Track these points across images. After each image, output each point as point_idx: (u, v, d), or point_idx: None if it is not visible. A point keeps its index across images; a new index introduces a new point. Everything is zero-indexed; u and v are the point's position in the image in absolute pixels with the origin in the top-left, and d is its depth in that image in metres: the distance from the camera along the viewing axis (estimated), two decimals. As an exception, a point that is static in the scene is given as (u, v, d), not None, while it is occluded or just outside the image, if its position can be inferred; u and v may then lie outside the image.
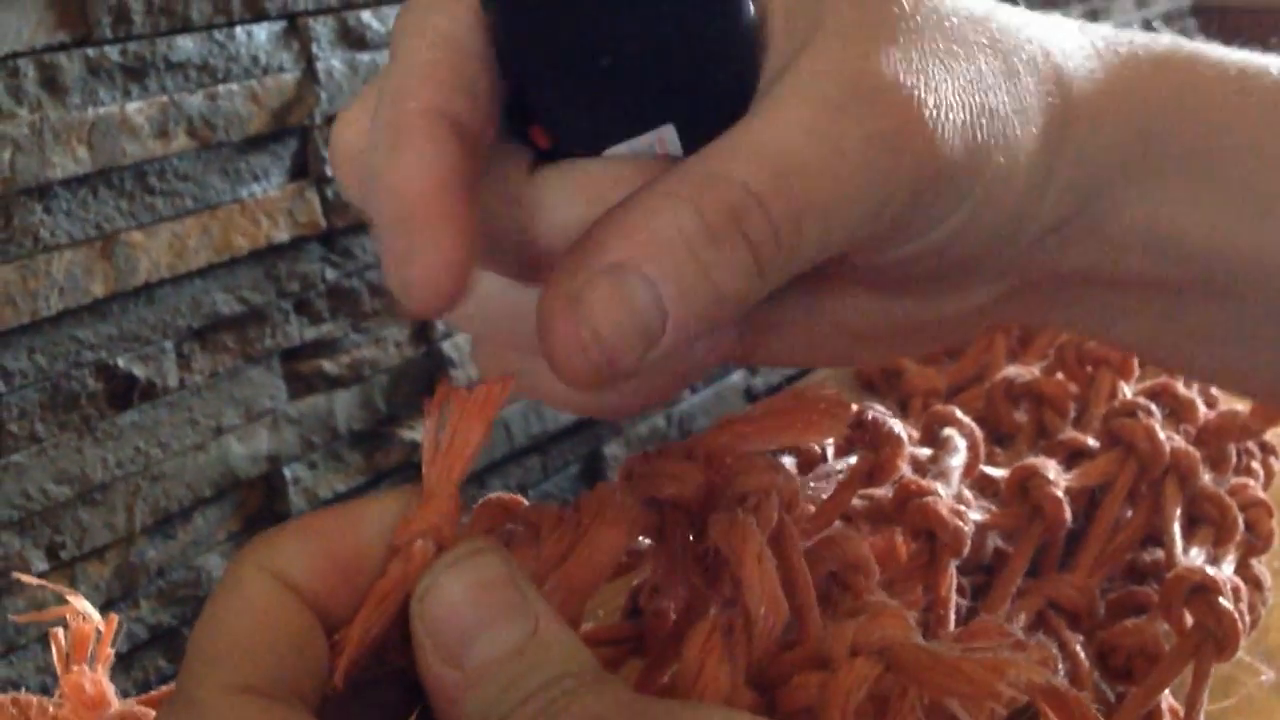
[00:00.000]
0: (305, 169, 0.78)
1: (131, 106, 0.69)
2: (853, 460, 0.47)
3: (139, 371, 0.72)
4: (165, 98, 0.70)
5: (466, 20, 0.27)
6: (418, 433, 0.87)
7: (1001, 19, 0.31)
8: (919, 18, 0.29)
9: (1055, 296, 0.37)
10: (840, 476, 0.46)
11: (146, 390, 0.72)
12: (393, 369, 0.85)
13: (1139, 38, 0.36)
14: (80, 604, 0.34)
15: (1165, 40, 0.36)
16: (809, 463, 0.48)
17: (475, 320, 0.32)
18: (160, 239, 0.71)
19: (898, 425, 0.47)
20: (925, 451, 0.57)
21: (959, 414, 0.59)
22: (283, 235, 0.77)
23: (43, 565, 0.69)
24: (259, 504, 0.79)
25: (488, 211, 0.28)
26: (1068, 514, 0.55)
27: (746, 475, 0.35)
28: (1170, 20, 1.92)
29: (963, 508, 0.50)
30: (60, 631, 0.33)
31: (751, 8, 0.28)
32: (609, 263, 0.26)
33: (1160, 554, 0.57)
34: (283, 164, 0.77)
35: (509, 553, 0.27)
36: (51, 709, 0.35)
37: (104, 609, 0.71)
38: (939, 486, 0.50)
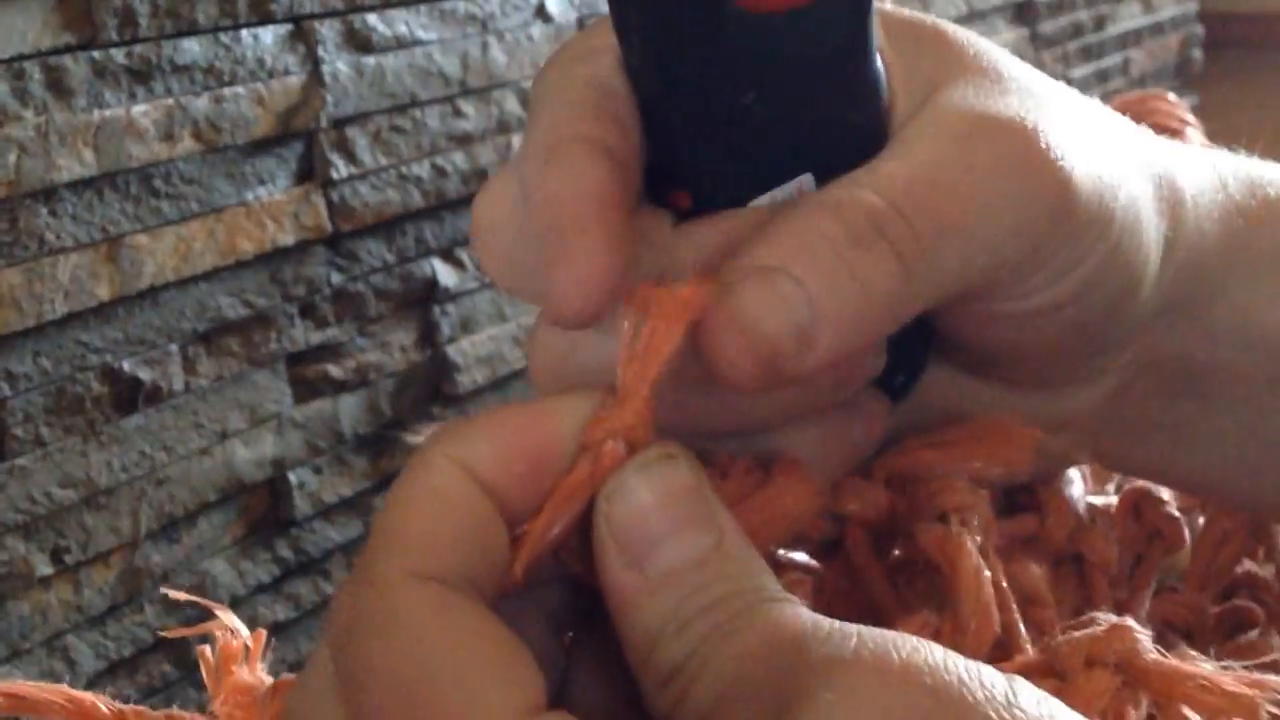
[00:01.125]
0: (311, 172, 0.78)
1: (137, 109, 0.69)
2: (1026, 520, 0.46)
3: (144, 375, 0.71)
4: (171, 100, 0.70)
5: (611, 66, 0.28)
6: (423, 436, 0.87)
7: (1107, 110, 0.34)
8: (1033, 84, 0.30)
9: (1148, 405, 0.37)
10: (1012, 526, 0.46)
11: (151, 394, 0.72)
12: (398, 373, 0.85)
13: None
14: (228, 618, 0.33)
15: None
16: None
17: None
18: (165, 242, 0.71)
19: (1076, 498, 0.47)
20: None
21: None
22: (288, 239, 0.77)
23: (47, 569, 0.68)
24: (264, 509, 0.79)
25: (631, 261, 0.28)
26: (1186, 533, 0.54)
27: (949, 494, 0.35)
28: (1177, 25, 1.92)
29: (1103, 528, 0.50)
30: (208, 648, 0.33)
31: (879, 61, 0.29)
32: (756, 265, 0.26)
33: (1250, 566, 0.56)
34: (288, 167, 0.77)
35: (699, 463, 0.27)
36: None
37: (108, 614, 0.71)
38: (1078, 510, 0.50)
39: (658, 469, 0.26)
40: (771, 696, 0.22)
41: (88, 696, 0.33)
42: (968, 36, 0.32)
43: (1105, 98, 1.20)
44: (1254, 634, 0.51)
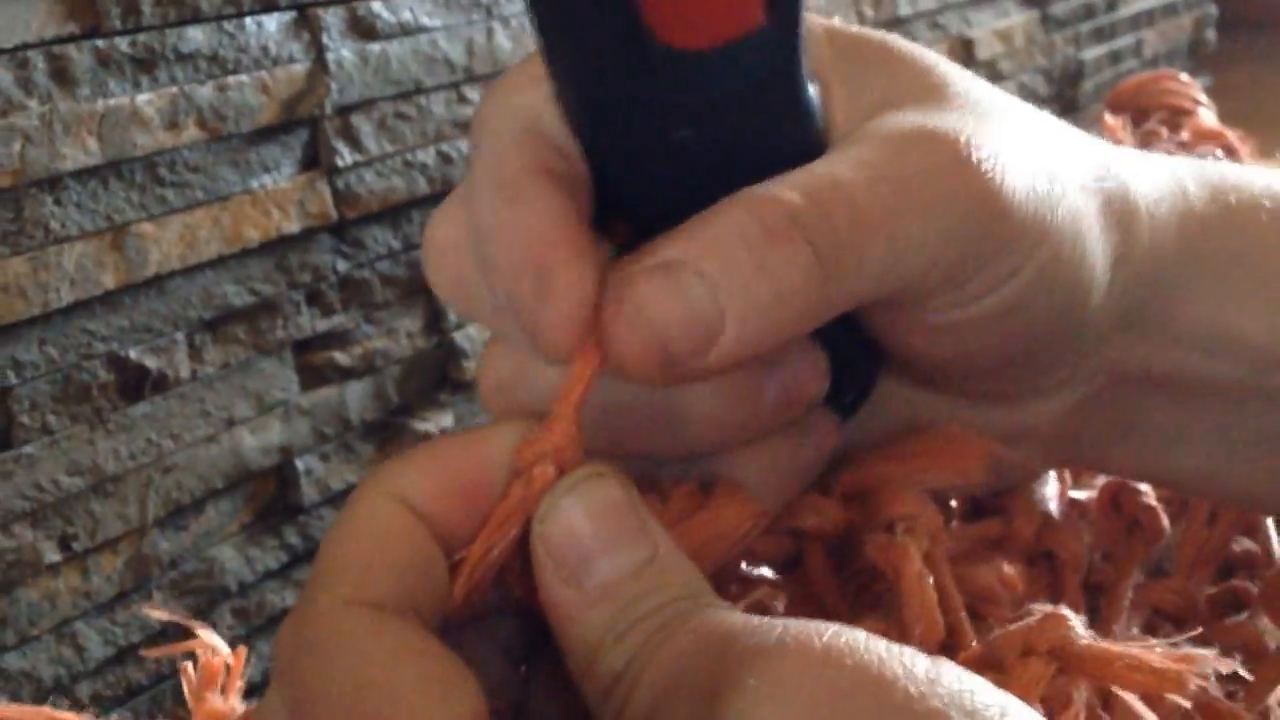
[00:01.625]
0: (316, 160, 0.78)
1: (141, 98, 0.69)
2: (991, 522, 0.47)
3: (150, 363, 0.72)
4: (175, 89, 0.70)
5: (549, 96, 0.28)
6: (430, 424, 0.87)
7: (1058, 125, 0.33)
8: (979, 100, 0.31)
9: (1119, 411, 0.37)
10: (974, 528, 0.46)
11: (158, 381, 0.72)
12: (405, 360, 0.85)
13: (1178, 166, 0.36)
14: (209, 637, 0.34)
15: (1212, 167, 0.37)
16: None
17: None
18: (171, 230, 0.71)
19: (1044, 497, 0.47)
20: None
21: None
22: (293, 226, 0.77)
23: (55, 557, 0.69)
24: (271, 496, 0.79)
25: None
26: (1165, 522, 0.54)
27: (896, 503, 0.36)
28: (1190, 6, 1.91)
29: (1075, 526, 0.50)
30: (190, 665, 0.34)
31: (813, 88, 0.29)
32: (660, 259, 0.26)
33: (1249, 544, 0.56)
34: (293, 155, 0.77)
35: (630, 480, 0.28)
36: None
37: (116, 601, 0.71)
38: (1050, 508, 0.50)
39: (588, 487, 0.27)
40: (704, 689, 0.23)
41: (70, 716, 0.34)
42: (915, 53, 0.31)
43: (1117, 79, 1.21)
44: (1242, 616, 0.51)
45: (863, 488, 0.37)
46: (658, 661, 0.24)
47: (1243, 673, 0.34)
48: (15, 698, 0.68)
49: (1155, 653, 0.30)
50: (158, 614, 0.40)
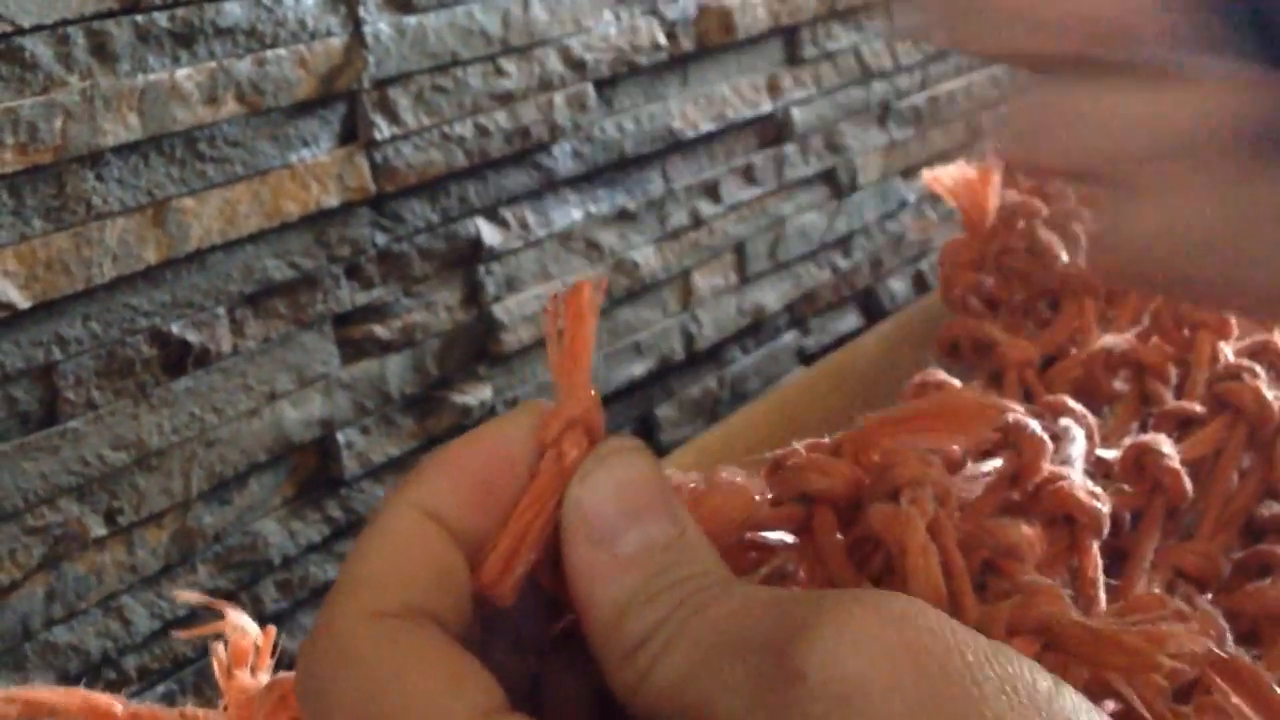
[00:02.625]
0: (354, 133, 0.78)
1: (181, 73, 0.69)
2: (995, 463, 0.47)
3: (193, 338, 0.72)
4: (214, 64, 0.70)
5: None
6: (470, 396, 0.87)
7: None
8: None
9: None
10: (986, 479, 0.46)
11: (200, 356, 0.72)
12: (444, 333, 0.86)
13: None
14: (238, 617, 0.34)
15: None
16: (949, 465, 0.48)
17: None
18: (211, 205, 0.71)
19: (1037, 427, 0.47)
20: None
21: (1071, 403, 0.58)
22: (332, 200, 0.77)
23: (101, 530, 0.69)
24: (313, 469, 0.80)
25: None
26: (1188, 486, 0.54)
27: (901, 468, 0.36)
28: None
29: (1097, 489, 0.50)
30: (220, 645, 0.34)
31: None
32: None
33: (1278, 508, 0.56)
34: (331, 129, 0.77)
35: (656, 457, 0.28)
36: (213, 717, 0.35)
37: (161, 574, 0.72)
38: (1070, 471, 0.50)
39: (621, 459, 0.27)
40: (769, 641, 0.23)
41: (103, 698, 0.34)
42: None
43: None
44: (1266, 581, 0.51)
45: (868, 446, 0.37)
46: (695, 626, 0.24)
47: (1217, 650, 0.33)
48: (63, 671, 0.68)
49: (1131, 633, 0.30)
50: (187, 597, 0.40)
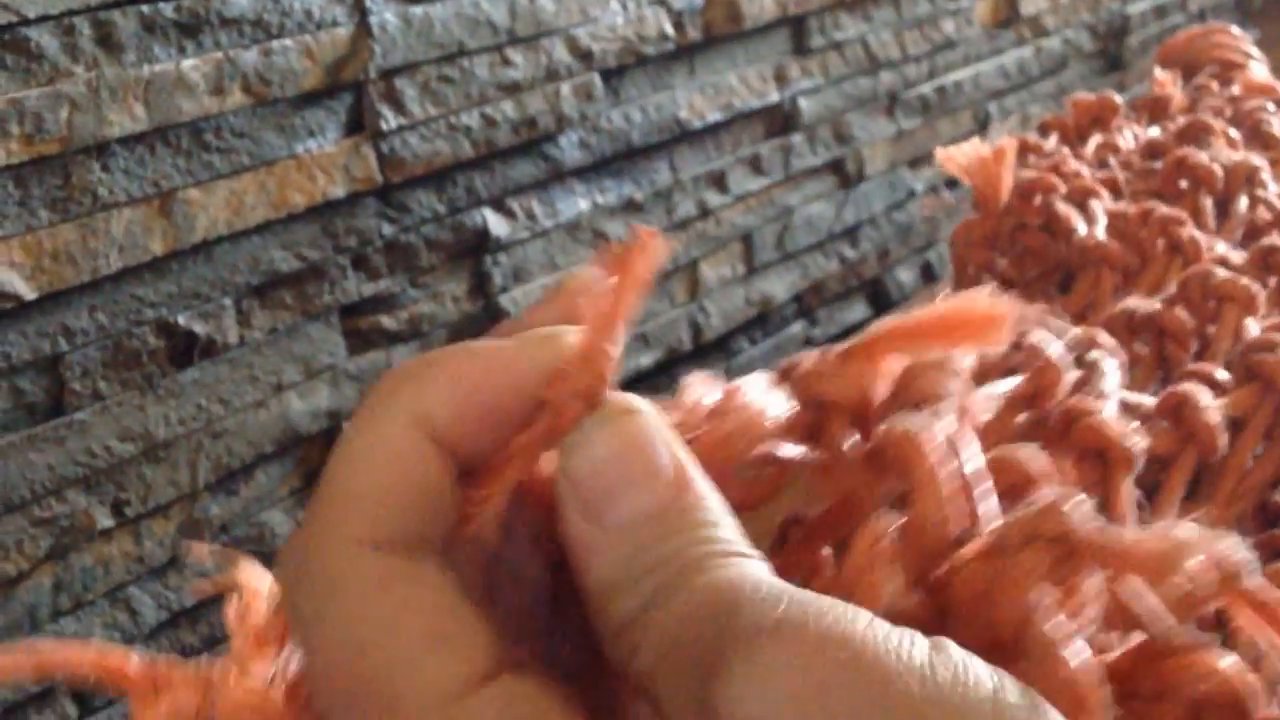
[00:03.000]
0: (361, 124, 0.78)
1: (187, 63, 0.69)
2: (1013, 382, 0.46)
3: (199, 329, 0.72)
4: (220, 54, 0.70)
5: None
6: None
7: None
8: None
9: None
10: (1002, 399, 0.45)
11: (207, 347, 0.72)
12: (451, 324, 0.85)
13: None
14: (251, 570, 0.33)
15: None
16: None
17: None
18: (218, 196, 0.71)
19: (1058, 347, 0.47)
20: (1074, 374, 0.57)
21: (1103, 336, 0.58)
22: (339, 191, 0.77)
23: (109, 522, 0.69)
24: (320, 459, 0.80)
25: None
26: (1222, 440, 0.54)
27: (923, 378, 0.35)
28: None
29: (1132, 424, 0.49)
30: (235, 597, 0.33)
31: None
32: None
33: None
34: (338, 119, 0.77)
35: (663, 414, 0.27)
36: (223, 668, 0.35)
37: (169, 565, 0.72)
38: (1103, 404, 0.49)
39: (616, 423, 0.26)
40: (698, 663, 0.22)
41: (117, 652, 0.34)
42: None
43: (1163, 34, 1.19)
44: (1277, 564, 0.51)
45: (881, 351, 0.36)
46: (665, 617, 0.24)
47: (1243, 573, 0.33)
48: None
49: (1152, 539, 0.30)
50: (200, 551, 0.40)
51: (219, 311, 0.72)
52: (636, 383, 0.99)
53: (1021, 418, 0.49)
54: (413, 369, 0.26)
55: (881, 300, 1.21)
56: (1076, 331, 0.59)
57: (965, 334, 0.35)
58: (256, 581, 0.34)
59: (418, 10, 0.79)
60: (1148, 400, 0.56)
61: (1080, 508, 0.33)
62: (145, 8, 0.66)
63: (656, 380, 1.01)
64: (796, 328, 1.13)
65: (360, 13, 0.76)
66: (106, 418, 0.68)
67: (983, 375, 0.49)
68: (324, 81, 0.75)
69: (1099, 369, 0.55)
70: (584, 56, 0.89)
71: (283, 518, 0.78)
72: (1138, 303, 0.67)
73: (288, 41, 0.73)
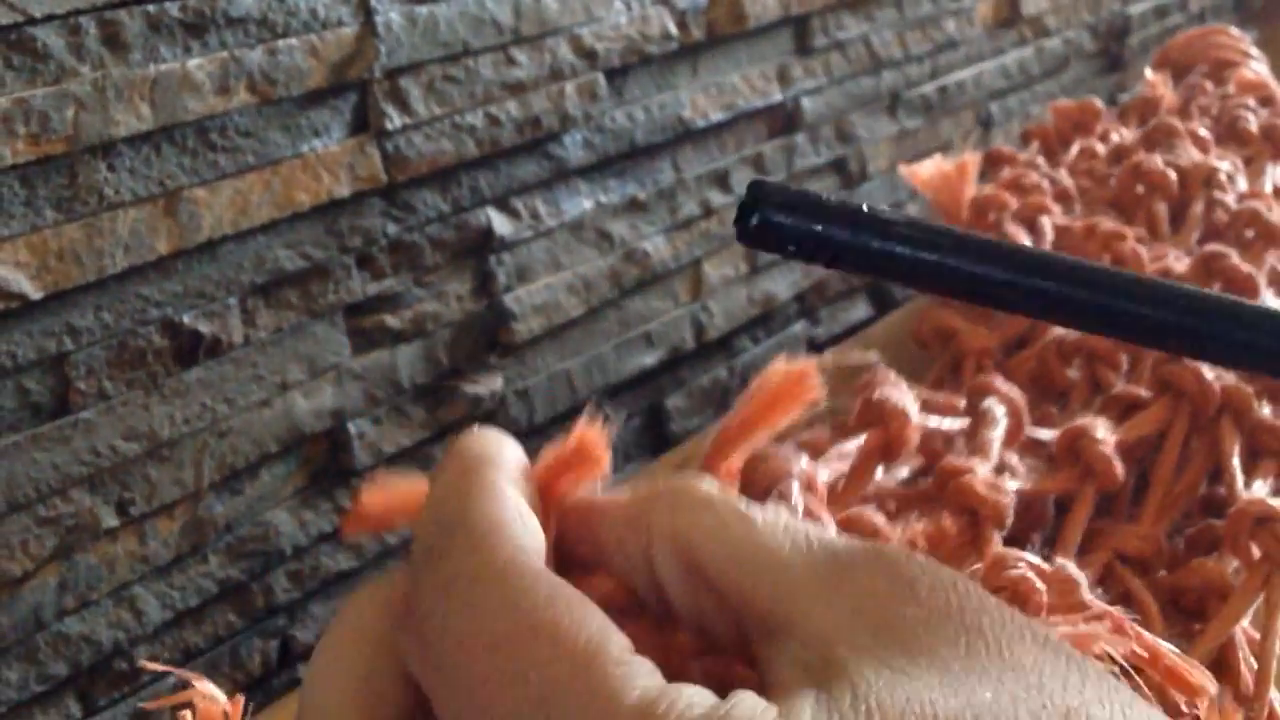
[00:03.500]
0: (365, 123, 0.78)
1: (192, 63, 0.69)
2: (862, 437, 0.48)
3: (204, 328, 0.72)
4: (225, 53, 0.70)
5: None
6: (481, 386, 0.87)
7: None
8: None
9: None
10: (856, 453, 0.47)
11: (212, 347, 0.72)
12: (455, 323, 0.85)
13: None
14: (205, 686, 0.34)
15: None
16: (818, 449, 0.49)
17: None
18: (223, 195, 0.71)
19: (902, 399, 0.48)
20: (961, 423, 0.58)
21: (999, 383, 0.58)
22: (344, 190, 0.77)
23: (113, 521, 0.69)
24: (324, 459, 0.80)
25: None
26: (1119, 470, 0.55)
27: (762, 467, 0.36)
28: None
29: (1004, 479, 0.50)
30: (188, 714, 0.34)
31: None
32: None
33: (1221, 488, 0.57)
34: (343, 118, 0.77)
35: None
36: None
37: (173, 565, 0.72)
38: (976, 462, 0.51)
39: None
40: None
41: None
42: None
43: (1164, 34, 1.19)
44: (1210, 558, 0.52)
45: (727, 459, 0.37)
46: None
47: (1137, 648, 0.34)
48: (74, 662, 0.68)
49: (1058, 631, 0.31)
50: (152, 668, 0.40)
51: (224, 311, 0.72)
52: (640, 382, 0.99)
53: (903, 473, 0.50)
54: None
55: (883, 300, 1.21)
56: (976, 380, 0.60)
57: (785, 403, 0.36)
58: (210, 697, 0.34)
59: (423, 10, 0.79)
60: (1050, 435, 0.57)
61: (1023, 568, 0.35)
62: (151, 7, 0.66)
63: (660, 379, 1.01)
64: (799, 327, 1.13)
65: (365, 12, 0.76)
66: (111, 417, 0.68)
67: (841, 433, 0.50)
68: (329, 81, 0.75)
69: (989, 417, 0.56)
70: (588, 56, 0.89)
71: (287, 517, 0.78)
72: (1066, 330, 0.67)
73: (293, 41, 0.73)
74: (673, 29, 0.96)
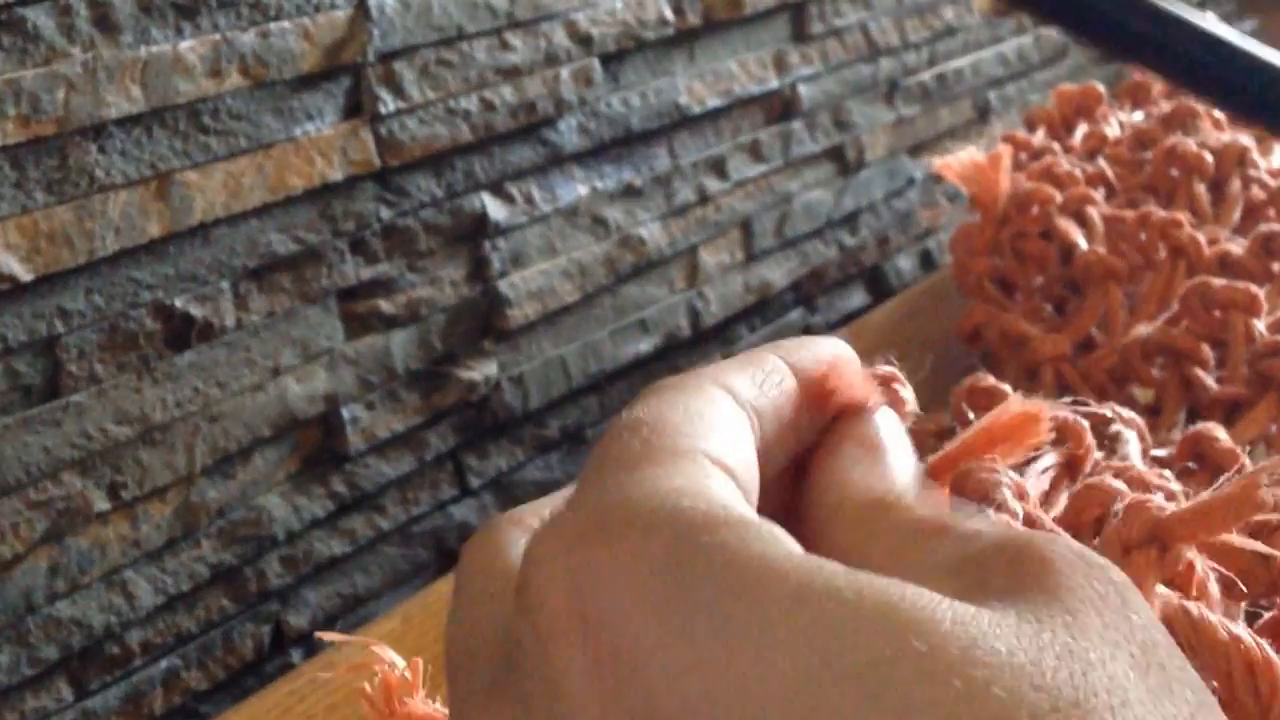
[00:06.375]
0: (359, 107, 0.78)
1: (184, 45, 0.68)
2: (1049, 459, 0.48)
3: (196, 312, 0.72)
4: (217, 35, 0.70)
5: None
6: (475, 372, 0.87)
7: None
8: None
9: None
10: (1047, 475, 0.47)
11: (204, 330, 0.72)
12: (449, 308, 0.85)
13: None
14: (384, 652, 0.33)
15: None
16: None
17: None
18: (215, 179, 0.71)
19: (1082, 420, 0.48)
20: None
21: (1116, 410, 0.58)
22: (337, 174, 0.77)
23: (104, 505, 0.69)
24: (317, 444, 0.80)
25: None
26: (1248, 461, 0.54)
27: (973, 478, 0.36)
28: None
29: (1165, 472, 0.50)
30: (367, 685, 0.33)
31: None
32: None
33: None
34: (336, 102, 0.77)
35: None
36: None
37: (165, 549, 0.72)
38: (1131, 466, 0.51)
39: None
40: None
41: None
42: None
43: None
44: None
45: (944, 476, 0.37)
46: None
47: None
48: (65, 645, 0.68)
49: (1222, 491, 0.32)
50: (329, 636, 0.38)
51: (216, 294, 0.72)
52: (635, 369, 0.99)
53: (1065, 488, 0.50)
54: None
55: (881, 288, 1.21)
56: (1095, 409, 0.59)
57: (1011, 442, 0.36)
58: (391, 665, 0.34)
59: (416, -7, 0.79)
60: (1166, 452, 0.56)
61: (1154, 498, 0.35)
62: (142, -12, 0.66)
63: (656, 367, 1.01)
64: (796, 315, 1.12)
65: (359, -5, 0.76)
66: (103, 400, 0.68)
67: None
68: (322, 64, 0.75)
69: (1120, 438, 0.56)
70: (583, 41, 0.89)
71: (280, 502, 0.77)
72: (1147, 330, 0.67)
73: (285, 23, 0.73)
74: (669, 14, 0.96)
